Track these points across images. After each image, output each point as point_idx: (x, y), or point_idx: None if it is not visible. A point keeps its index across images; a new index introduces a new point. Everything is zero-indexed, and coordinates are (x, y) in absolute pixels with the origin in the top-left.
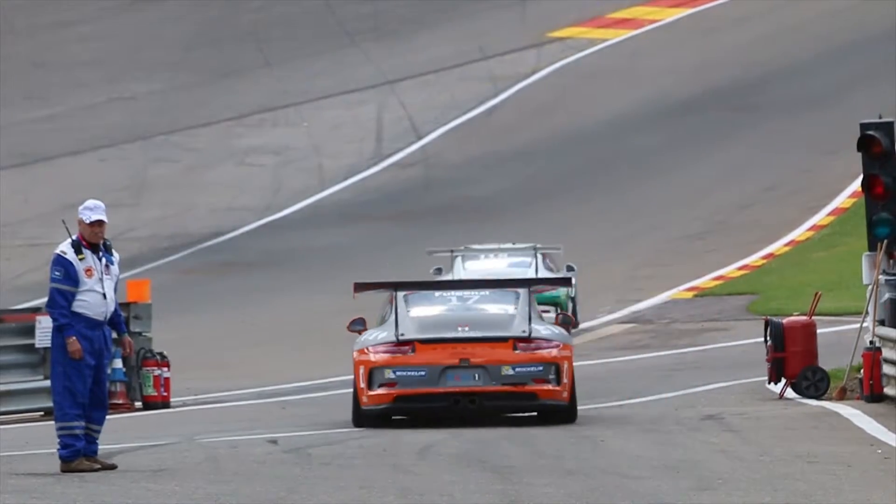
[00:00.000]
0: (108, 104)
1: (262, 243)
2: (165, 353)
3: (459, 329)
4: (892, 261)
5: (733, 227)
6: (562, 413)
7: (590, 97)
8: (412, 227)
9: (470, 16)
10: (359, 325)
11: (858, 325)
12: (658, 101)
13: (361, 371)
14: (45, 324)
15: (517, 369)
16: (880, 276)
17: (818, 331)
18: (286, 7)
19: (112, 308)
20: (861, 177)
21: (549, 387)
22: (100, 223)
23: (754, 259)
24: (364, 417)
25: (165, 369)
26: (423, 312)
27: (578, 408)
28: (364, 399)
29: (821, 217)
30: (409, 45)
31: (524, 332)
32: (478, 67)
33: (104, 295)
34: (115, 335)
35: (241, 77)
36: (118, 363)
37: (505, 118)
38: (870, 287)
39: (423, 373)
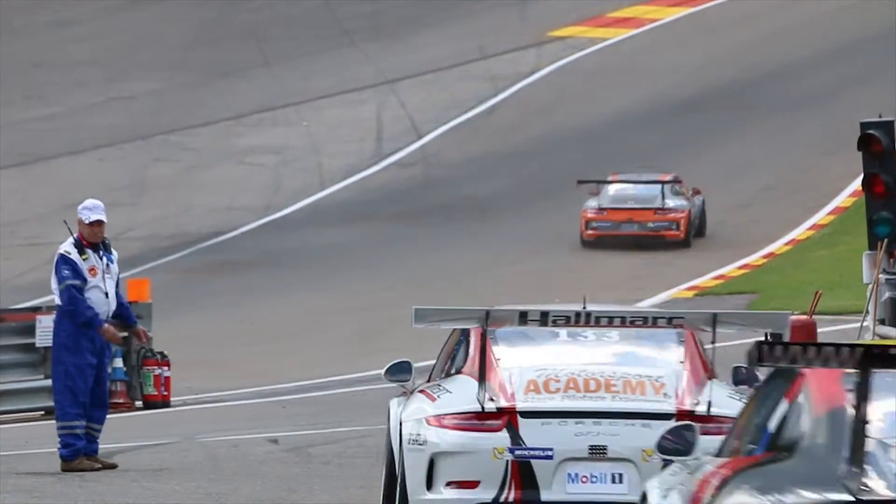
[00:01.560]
0: (108, 104)
1: (262, 243)
2: (166, 352)
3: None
4: (892, 260)
5: (733, 226)
6: None
7: (590, 96)
8: (412, 227)
9: (470, 15)
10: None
11: (859, 324)
12: (658, 101)
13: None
14: (45, 323)
15: None
16: (880, 275)
17: (819, 330)
18: (285, 7)
19: (114, 306)
20: (861, 176)
21: None
22: (99, 223)
23: (755, 258)
24: None
25: (166, 368)
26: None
27: None
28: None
29: (821, 216)
30: (408, 45)
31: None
32: (478, 67)
33: (106, 294)
34: (124, 332)
35: (241, 76)
36: (118, 362)
37: (505, 117)
38: (870, 286)
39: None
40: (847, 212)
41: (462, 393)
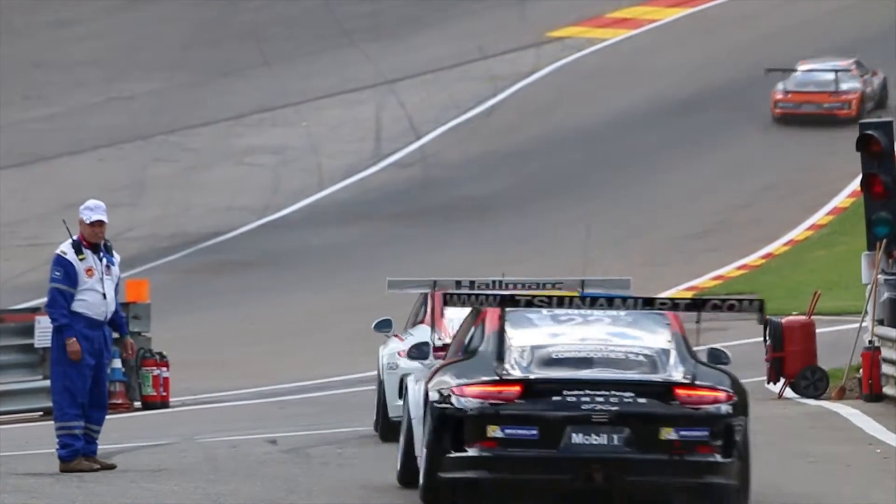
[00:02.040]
0: (107, 104)
1: (261, 243)
2: (165, 352)
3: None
4: (891, 260)
5: (732, 226)
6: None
7: (589, 97)
8: (411, 227)
9: (469, 15)
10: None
11: (857, 325)
12: (657, 101)
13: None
14: (44, 324)
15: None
16: (879, 276)
17: (817, 330)
18: (285, 7)
19: (112, 308)
20: (860, 176)
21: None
22: (100, 223)
23: (753, 258)
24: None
25: (164, 369)
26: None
27: None
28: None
29: (820, 216)
30: (408, 45)
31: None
32: (477, 67)
33: (104, 295)
34: (116, 336)
35: (240, 77)
36: (117, 363)
37: (504, 118)
38: (869, 286)
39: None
40: (846, 212)
41: (420, 335)
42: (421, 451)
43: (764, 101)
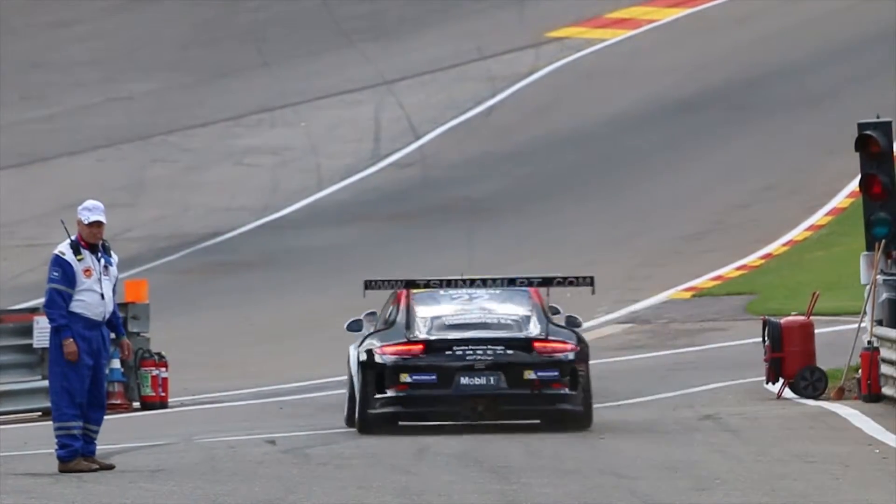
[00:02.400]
0: (106, 104)
1: (260, 243)
2: (163, 353)
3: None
4: (889, 260)
5: (731, 226)
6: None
7: (588, 97)
8: (410, 227)
9: (468, 16)
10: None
11: (856, 325)
12: (656, 101)
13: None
14: (43, 324)
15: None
16: (878, 276)
17: (816, 331)
18: (284, 7)
19: (110, 308)
20: (859, 177)
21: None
22: (98, 224)
23: (752, 259)
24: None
25: (163, 369)
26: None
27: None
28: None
29: (819, 217)
30: (406, 45)
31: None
32: (476, 67)
33: (102, 295)
34: (113, 337)
35: (239, 77)
36: (116, 363)
37: (503, 118)
38: (868, 287)
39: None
40: (845, 213)
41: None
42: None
43: (763, 102)
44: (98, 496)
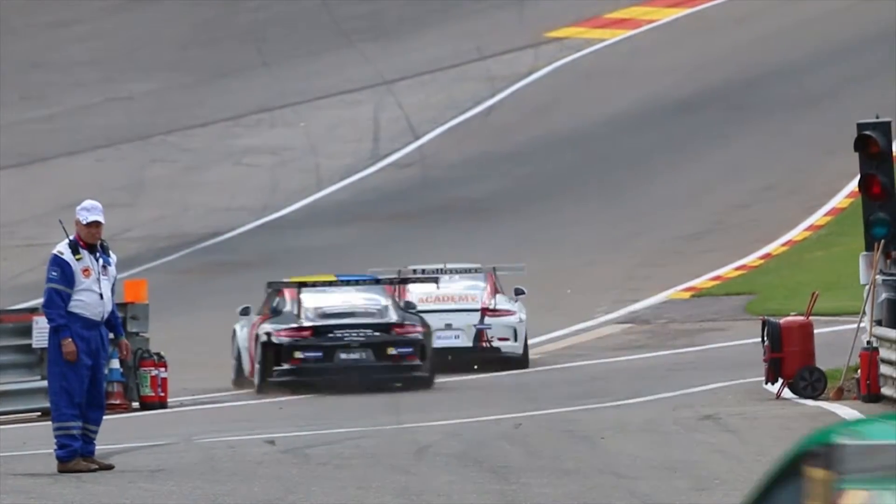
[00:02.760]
0: (106, 104)
1: (260, 243)
2: (163, 353)
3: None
4: (889, 261)
5: (731, 226)
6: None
7: (587, 97)
8: (409, 227)
9: (467, 16)
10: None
11: (856, 325)
12: (655, 101)
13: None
14: (42, 324)
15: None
16: (877, 276)
17: (815, 331)
18: (283, 7)
19: (109, 308)
20: (858, 177)
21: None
22: (97, 224)
23: (752, 259)
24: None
25: (163, 369)
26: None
27: (577, 408)
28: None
29: (818, 217)
30: (406, 45)
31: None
32: (475, 67)
33: (101, 295)
34: (112, 337)
35: (239, 77)
36: (115, 363)
37: (502, 118)
38: (867, 287)
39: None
40: (844, 213)
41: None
42: (254, 367)
43: (762, 102)
44: (97, 496)
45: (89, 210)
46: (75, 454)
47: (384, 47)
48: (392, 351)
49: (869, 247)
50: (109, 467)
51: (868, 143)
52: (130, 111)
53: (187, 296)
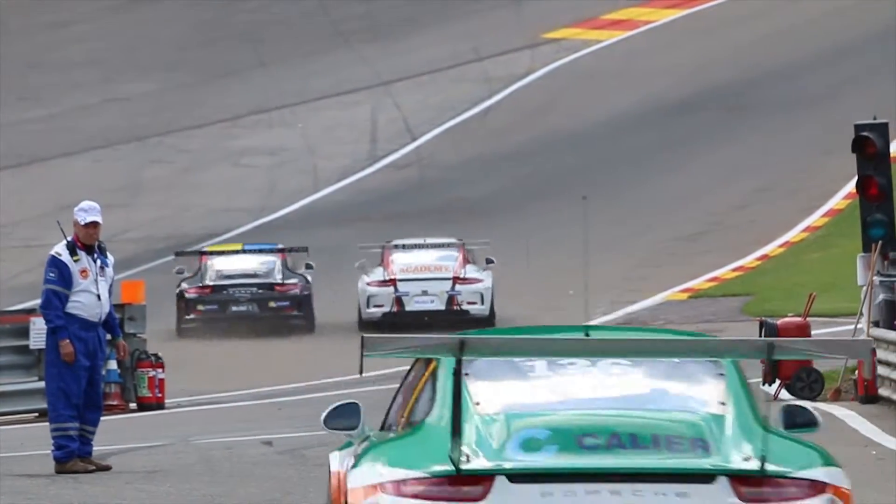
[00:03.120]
0: (103, 105)
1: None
2: (160, 354)
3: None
4: (886, 262)
5: (728, 228)
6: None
7: (585, 98)
8: (407, 228)
9: (464, 17)
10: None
11: (853, 327)
12: (653, 102)
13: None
14: (39, 325)
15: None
16: (875, 278)
17: (813, 332)
18: (281, 8)
19: (107, 309)
20: (856, 178)
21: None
22: (94, 224)
23: (749, 260)
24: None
25: (160, 370)
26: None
27: None
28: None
29: (815, 218)
30: (403, 46)
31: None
32: (472, 68)
33: (99, 296)
34: (109, 338)
35: (236, 78)
36: (113, 364)
37: (500, 119)
38: (864, 288)
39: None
40: (841, 214)
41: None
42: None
43: (760, 103)
44: (94, 497)
45: (87, 211)
46: (73, 455)
47: (382, 48)
48: (273, 304)
49: (866, 248)
50: (107, 468)
51: (866, 145)
52: (128, 112)
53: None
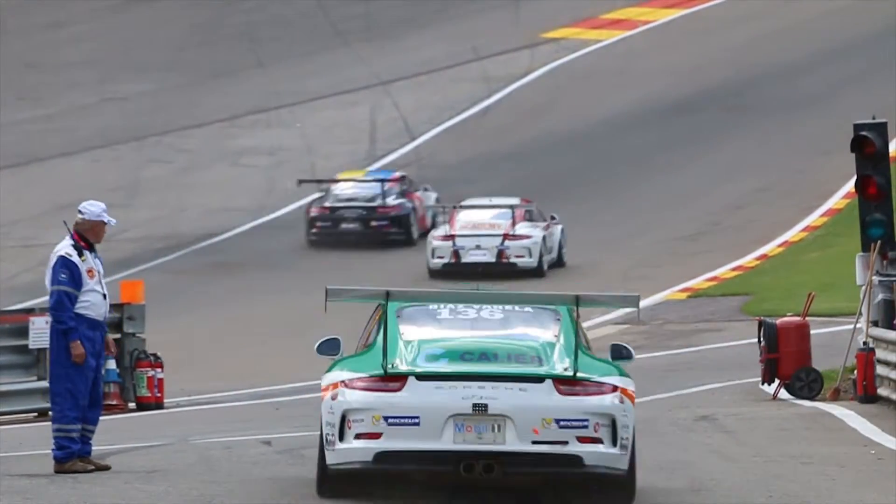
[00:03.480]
0: (101, 105)
1: (256, 244)
2: (159, 353)
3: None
4: (885, 262)
5: (727, 227)
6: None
7: (584, 98)
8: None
9: (463, 16)
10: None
11: (852, 326)
12: (652, 102)
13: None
14: (38, 325)
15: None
16: (874, 277)
17: (812, 331)
18: (279, 8)
19: (108, 307)
20: (855, 178)
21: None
22: (106, 224)
23: (748, 260)
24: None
25: (159, 370)
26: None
27: None
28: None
29: (814, 218)
30: (402, 46)
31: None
32: (471, 68)
33: (104, 295)
34: None
35: (235, 78)
36: (112, 364)
37: (498, 119)
38: (863, 288)
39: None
40: (840, 213)
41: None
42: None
43: (759, 103)
44: (94, 497)
45: (105, 210)
46: (72, 455)
47: (380, 48)
48: (374, 223)
49: (865, 248)
50: (106, 468)
51: (864, 144)
52: (126, 112)
53: (183, 296)
